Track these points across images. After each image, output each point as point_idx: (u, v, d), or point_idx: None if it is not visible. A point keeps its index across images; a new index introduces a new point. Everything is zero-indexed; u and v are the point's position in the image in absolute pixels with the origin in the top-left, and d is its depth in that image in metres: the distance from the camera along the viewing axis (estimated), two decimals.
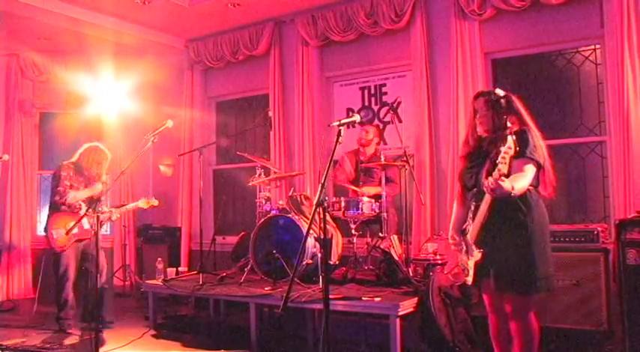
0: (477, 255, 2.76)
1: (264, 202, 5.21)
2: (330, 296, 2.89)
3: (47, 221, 4.78)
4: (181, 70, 7.36)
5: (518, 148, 2.47)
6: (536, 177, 2.74)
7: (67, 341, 4.45)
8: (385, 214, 4.71)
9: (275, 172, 5.52)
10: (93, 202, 4.68)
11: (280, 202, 5.02)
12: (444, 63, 5.46)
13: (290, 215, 4.75)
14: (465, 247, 2.89)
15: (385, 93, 6.06)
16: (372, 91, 6.16)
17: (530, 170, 2.66)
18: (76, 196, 4.80)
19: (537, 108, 5.23)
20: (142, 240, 7.06)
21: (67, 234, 4.64)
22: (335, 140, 2.79)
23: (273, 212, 4.95)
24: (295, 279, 3.76)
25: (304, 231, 4.52)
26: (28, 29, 6.39)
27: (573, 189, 5.11)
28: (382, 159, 4.77)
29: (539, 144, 2.73)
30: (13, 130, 6.95)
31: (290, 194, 5.12)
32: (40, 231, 7.18)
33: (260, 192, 5.32)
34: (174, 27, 6.82)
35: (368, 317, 4.11)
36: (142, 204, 5.26)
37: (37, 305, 5.63)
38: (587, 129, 5.06)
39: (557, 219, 4.81)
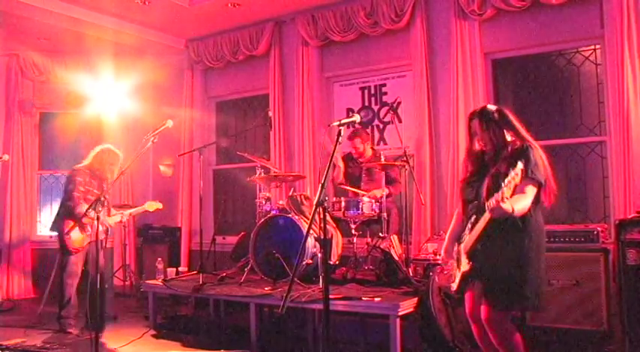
0: (465, 266, 2.80)
1: (264, 202, 5.20)
2: (330, 296, 2.89)
3: (61, 223, 4.72)
4: (181, 70, 7.36)
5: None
6: (537, 195, 2.75)
7: (67, 341, 4.44)
8: (386, 214, 4.72)
9: (275, 172, 5.51)
10: (96, 203, 4.67)
11: (280, 202, 5.02)
12: (444, 63, 5.46)
13: (290, 215, 4.75)
14: (456, 256, 2.92)
15: (385, 93, 6.06)
16: (372, 91, 6.16)
17: (531, 191, 2.67)
18: (104, 220, 4.74)
19: (537, 108, 5.26)
20: (142, 240, 7.07)
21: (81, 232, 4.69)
22: (335, 140, 2.79)
23: (273, 212, 4.94)
24: (295, 279, 3.77)
25: (304, 231, 4.52)
26: (28, 29, 6.39)
27: (573, 189, 5.11)
28: (382, 160, 4.77)
29: (540, 161, 2.72)
30: (13, 130, 6.95)
31: (290, 194, 5.11)
32: (41, 230, 7.23)
33: (260, 191, 5.32)
34: (174, 27, 6.82)
35: (368, 317, 4.10)
36: (149, 207, 5.28)
37: (43, 305, 5.49)
38: (587, 129, 5.06)
39: (557, 219, 4.82)
